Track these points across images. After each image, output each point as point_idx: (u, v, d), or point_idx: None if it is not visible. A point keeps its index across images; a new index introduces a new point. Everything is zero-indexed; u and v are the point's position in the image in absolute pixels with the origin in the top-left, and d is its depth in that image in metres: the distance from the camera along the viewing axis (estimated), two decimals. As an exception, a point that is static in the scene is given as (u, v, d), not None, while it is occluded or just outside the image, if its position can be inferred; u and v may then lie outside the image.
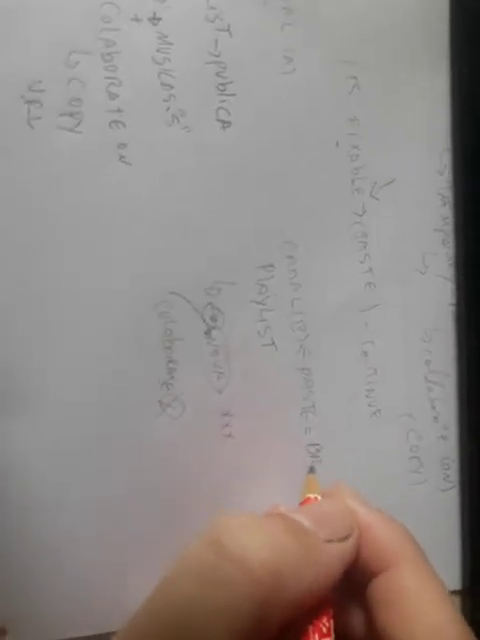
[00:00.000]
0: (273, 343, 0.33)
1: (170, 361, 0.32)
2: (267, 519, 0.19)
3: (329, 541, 0.19)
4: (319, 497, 0.25)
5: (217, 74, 0.31)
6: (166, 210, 0.31)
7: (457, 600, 0.36)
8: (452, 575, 0.35)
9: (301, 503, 0.25)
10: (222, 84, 0.31)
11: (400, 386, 0.35)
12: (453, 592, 0.35)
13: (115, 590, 0.29)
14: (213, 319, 0.32)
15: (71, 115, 0.29)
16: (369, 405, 0.35)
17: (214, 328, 0.32)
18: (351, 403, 0.34)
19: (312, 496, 0.26)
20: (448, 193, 0.34)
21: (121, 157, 0.30)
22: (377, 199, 0.34)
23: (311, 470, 0.31)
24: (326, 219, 0.33)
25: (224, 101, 0.31)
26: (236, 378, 0.32)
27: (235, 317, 0.32)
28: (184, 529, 0.30)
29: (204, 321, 0.32)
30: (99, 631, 0.29)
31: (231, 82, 0.31)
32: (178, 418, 0.32)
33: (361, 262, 0.34)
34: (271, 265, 0.33)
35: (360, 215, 0.34)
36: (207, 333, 0.32)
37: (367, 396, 0.35)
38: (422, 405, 0.35)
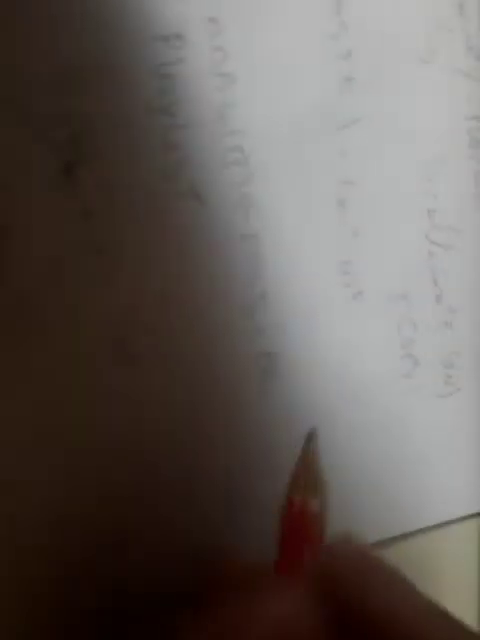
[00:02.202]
0: (196, 195, 0.19)
1: None
2: None
3: None
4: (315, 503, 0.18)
5: None
6: None
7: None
8: (465, 498, 0.26)
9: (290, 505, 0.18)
10: None
11: (390, 252, 0.22)
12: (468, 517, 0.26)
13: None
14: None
15: None
16: (346, 285, 0.22)
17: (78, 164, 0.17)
18: (319, 283, 0.21)
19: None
20: None
21: None
22: None
23: (310, 438, 0.20)
24: None
25: None
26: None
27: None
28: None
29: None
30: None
31: None
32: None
33: (332, 37, 0.19)
34: (179, 36, 0.18)
35: None
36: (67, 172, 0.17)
37: (345, 272, 0.22)
38: (420, 279, 0.23)
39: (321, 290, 0.22)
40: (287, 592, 0.17)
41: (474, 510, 0.27)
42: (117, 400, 0.20)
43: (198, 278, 0.20)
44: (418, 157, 0.22)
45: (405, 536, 0.26)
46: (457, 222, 0.23)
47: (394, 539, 0.26)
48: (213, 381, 0.21)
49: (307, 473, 0.19)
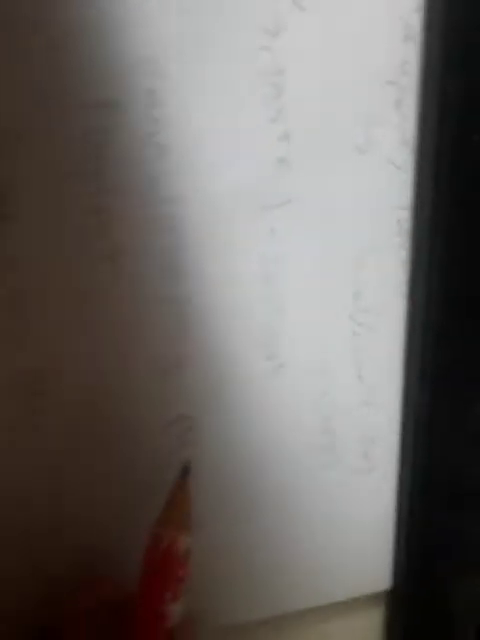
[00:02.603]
0: (117, 258, 0.19)
1: None
2: None
3: None
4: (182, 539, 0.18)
5: None
6: None
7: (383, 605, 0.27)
8: (372, 575, 0.26)
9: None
10: None
11: (314, 328, 0.22)
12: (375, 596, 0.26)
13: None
14: None
15: None
16: (268, 357, 0.22)
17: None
18: (241, 354, 0.22)
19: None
20: (414, 19, 0.21)
21: None
22: (302, 8, 0.20)
23: (183, 472, 0.19)
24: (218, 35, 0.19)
25: None
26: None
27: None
28: None
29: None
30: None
31: None
32: None
33: (272, 120, 0.20)
34: (117, 103, 0.18)
35: (273, 35, 0.19)
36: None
37: (266, 344, 0.22)
38: (342, 357, 0.23)
39: (242, 360, 0.22)
40: None
41: (381, 588, 0.27)
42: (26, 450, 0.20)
43: (117, 336, 0.20)
44: (347, 241, 0.22)
45: (310, 610, 0.26)
46: (381, 306, 0.23)
47: (299, 613, 0.26)
48: (128, 439, 0.21)
49: (178, 509, 0.18)
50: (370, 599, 0.27)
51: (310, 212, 0.21)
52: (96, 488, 0.21)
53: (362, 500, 0.25)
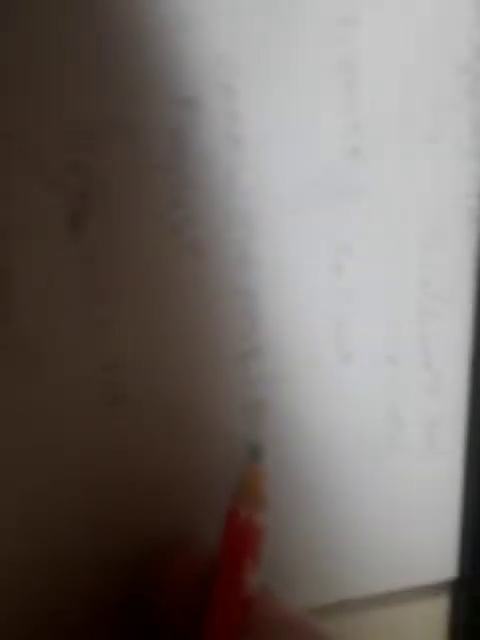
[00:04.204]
0: (198, 249, 0.19)
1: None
2: None
3: None
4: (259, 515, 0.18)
5: None
6: None
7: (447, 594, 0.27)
8: (443, 561, 0.26)
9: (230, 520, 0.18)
10: None
11: (382, 317, 0.23)
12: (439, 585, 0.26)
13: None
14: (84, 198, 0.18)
15: None
16: (337, 347, 0.22)
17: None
18: (310, 344, 0.22)
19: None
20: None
21: None
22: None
23: (254, 454, 0.20)
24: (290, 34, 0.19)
25: None
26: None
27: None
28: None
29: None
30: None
31: None
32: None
33: (345, 110, 0.20)
34: (195, 100, 0.18)
35: (347, 25, 0.20)
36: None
37: (336, 333, 0.22)
38: (410, 345, 0.23)
39: (313, 349, 0.22)
40: None
41: (446, 577, 0.27)
42: (105, 439, 0.21)
43: (193, 328, 0.21)
44: (417, 229, 0.22)
45: (372, 598, 0.26)
46: (449, 294, 0.23)
47: (361, 600, 0.26)
48: (201, 426, 0.22)
49: (253, 486, 0.19)
50: (434, 588, 0.27)
51: (380, 201, 0.22)
52: (170, 473, 0.22)
53: (427, 487, 0.26)
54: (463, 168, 0.22)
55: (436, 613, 0.28)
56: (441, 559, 0.27)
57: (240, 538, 0.19)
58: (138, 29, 0.18)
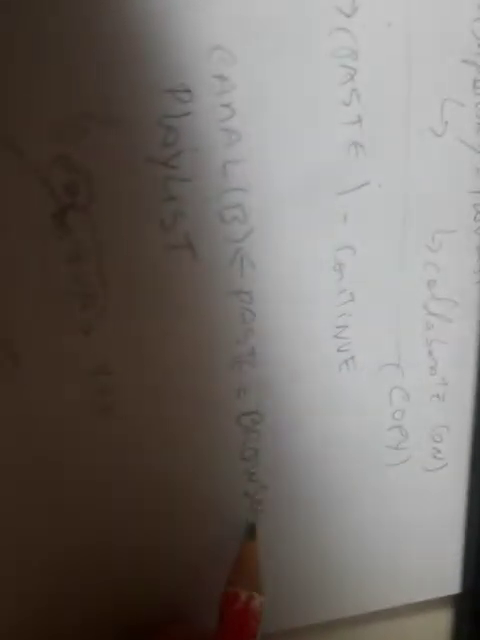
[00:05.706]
0: (190, 247, 0.18)
1: None
2: None
3: None
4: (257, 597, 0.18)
5: None
6: None
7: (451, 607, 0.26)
8: (446, 577, 0.25)
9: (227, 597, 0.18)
10: None
11: (385, 319, 0.22)
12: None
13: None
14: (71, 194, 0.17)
15: None
16: (339, 350, 0.21)
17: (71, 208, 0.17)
18: (313, 347, 0.21)
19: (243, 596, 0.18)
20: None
21: None
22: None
23: (250, 531, 0.20)
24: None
25: None
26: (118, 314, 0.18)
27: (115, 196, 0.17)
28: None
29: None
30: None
31: None
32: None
33: (346, 103, 0.19)
34: (187, 90, 0.17)
35: (347, 15, 0.19)
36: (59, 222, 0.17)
37: (337, 336, 0.21)
38: (414, 349, 0.22)
39: (312, 353, 0.21)
40: None
41: (450, 591, 0.26)
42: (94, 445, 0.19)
43: (184, 329, 0.20)
44: (422, 227, 0.21)
45: (375, 614, 0.25)
46: (457, 295, 0.22)
47: (364, 617, 0.25)
48: (193, 436, 0.21)
49: (249, 569, 0.19)
50: (438, 603, 0.26)
51: (383, 197, 0.21)
52: (163, 478, 0.21)
53: (431, 499, 0.24)
54: (469, 163, 0.21)
55: (440, 626, 0.27)
56: (445, 574, 0.25)
57: (240, 621, 0.18)
58: (128, 16, 0.17)
